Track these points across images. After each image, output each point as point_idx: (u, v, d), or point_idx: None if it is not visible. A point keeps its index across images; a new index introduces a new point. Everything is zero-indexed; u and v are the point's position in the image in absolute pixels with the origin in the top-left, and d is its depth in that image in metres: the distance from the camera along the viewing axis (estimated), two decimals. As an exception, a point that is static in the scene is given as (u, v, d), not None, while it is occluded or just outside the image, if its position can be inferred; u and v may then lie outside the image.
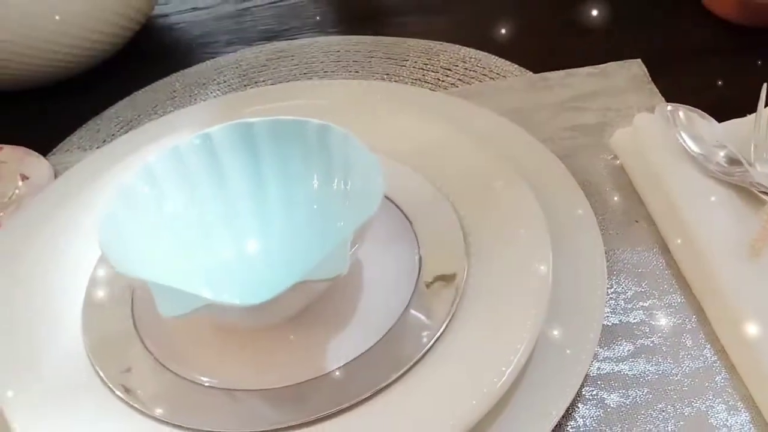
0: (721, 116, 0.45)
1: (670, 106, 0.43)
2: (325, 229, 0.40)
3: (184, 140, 0.40)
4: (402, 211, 0.42)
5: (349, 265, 0.33)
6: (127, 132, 0.54)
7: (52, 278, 0.41)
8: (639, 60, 0.53)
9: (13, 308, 0.39)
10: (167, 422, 0.34)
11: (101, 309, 0.39)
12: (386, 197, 0.42)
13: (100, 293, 0.40)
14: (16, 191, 0.50)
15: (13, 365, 0.37)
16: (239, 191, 0.41)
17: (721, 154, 0.42)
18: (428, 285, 0.38)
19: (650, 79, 0.52)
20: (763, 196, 0.40)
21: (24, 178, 0.51)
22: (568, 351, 0.35)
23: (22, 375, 0.36)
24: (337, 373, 0.35)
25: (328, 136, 0.40)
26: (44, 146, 0.53)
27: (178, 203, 0.40)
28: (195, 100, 0.56)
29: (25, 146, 0.53)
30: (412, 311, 0.37)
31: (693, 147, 0.42)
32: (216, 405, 0.35)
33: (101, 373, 0.36)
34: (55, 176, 0.51)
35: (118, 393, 0.35)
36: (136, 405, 0.34)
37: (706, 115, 0.43)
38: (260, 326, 0.37)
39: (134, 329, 0.38)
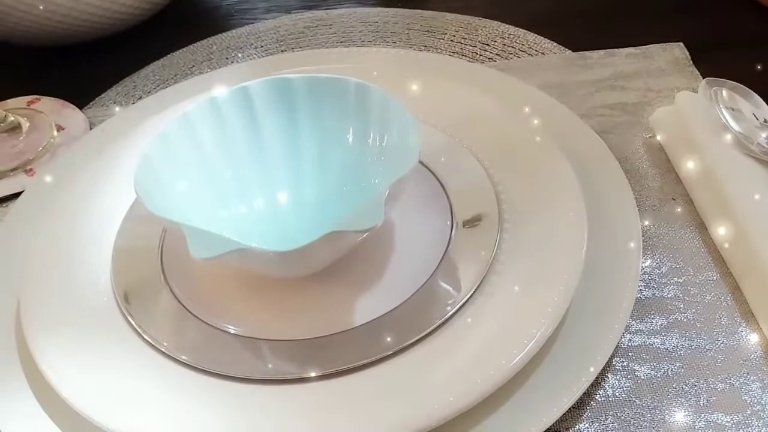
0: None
1: (714, 84, 0.43)
2: (359, 184, 0.39)
3: (222, 92, 0.40)
4: (436, 176, 0.42)
5: (383, 219, 0.33)
6: (162, 89, 0.54)
7: (84, 223, 0.41)
8: (681, 43, 0.52)
9: (45, 252, 0.39)
10: (192, 366, 0.34)
11: (131, 255, 0.39)
12: (421, 162, 0.42)
13: (130, 239, 0.40)
14: (52, 140, 0.50)
15: (44, 306, 0.37)
16: (275, 144, 0.41)
17: (764, 135, 0.41)
18: (460, 247, 0.38)
19: (692, 62, 0.51)
20: (805, 179, 0.39)
21: (60, 128, 0.51)
22: (600, 320, 0.35)
23: (53, 315, 0.36)
24: (363, 329, 0.35)
25: (366, 94, 0.40)
26: (81, 100, 0.54)
27: (215, 152, 0.40)
28: (232, 62, 0.56)
29: (62, 99, 0.53)
30: (442, 273, 0.37)
31: (734, 126, 0.41)
32: (240, 353, 0.35)
33: (128, 317, 0.36)
34: (91, 128, 0.51)
35: (145, 337, 0.35)
36: (162, 349, 0.34)
37: (752, 92, 0.43)
38: (290, 276, 0.37)
39: (162, 275, 0.38)
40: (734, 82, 0.43)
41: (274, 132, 0.41)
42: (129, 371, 0.34)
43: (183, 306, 0.37)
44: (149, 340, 0.35)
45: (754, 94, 0.42)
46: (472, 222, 0.39)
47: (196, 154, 0.39)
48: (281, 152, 0.41)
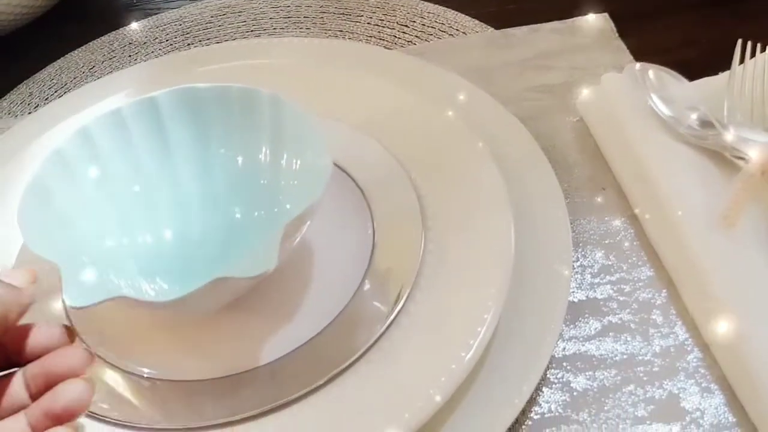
0: (692, 74, 0.43)
1: (639, 66, 0.41)
2: (272, 209, 0.37)
3: (126, 103, 0.37)
4: (355, 181, 0.39)
5: (282, 258, 0.31)
6: (61, 96, 0.50)
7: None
8: (606, 14, 0.50)
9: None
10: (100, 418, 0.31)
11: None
12: (339, 167, 0.39)
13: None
14: (-60, 163, 0.46)
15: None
16: (184, 161, 0.38)
17: (693, 116, 0.39)
18: (383, 262, 0.36)
19: (618, 35, 0.49)
20: (737, 161, 0.38)
21: (-52, 148, 0.47)
22: (532, 332, 0.33)
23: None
24: (282, 362, 0.33)
25: (280, 107, 0.36)
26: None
27: (118, 171, 0.37)
28: (135, 60, 0.52)
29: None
30: (365, 290, 0.35)
31: (664, 109, 0.40)
32: (152, 398, 0.32)
33: None
34: (-16, 145, 0.47)
35: None
36: None
37: (677, 75, 0.41)
38: (184, 318, 0.34)
39: (65, 316, 0.35)
40: (658, 65, 0.41)
41: (183, 149, 0.38)
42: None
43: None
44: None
45: (680, 76, 0.41)
46: (394, 231, 0.37)
47: (96, 174, 0.36)
48: (191, 171, 0.38)
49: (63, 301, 0.36)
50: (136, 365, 0.33)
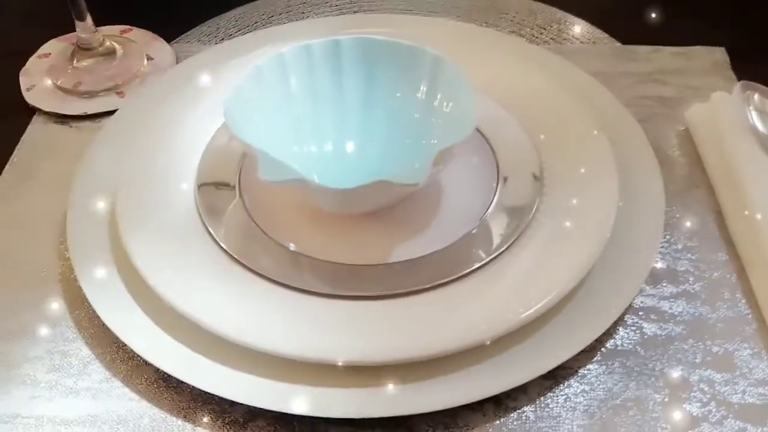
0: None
1: (748, 87, 0.47)
2: (420, 141, 0.45)
3: (317, 41, 0.45)
4: (489, 142, 0.46)
5: (429, 179, 0.39)
6: (243, 34, 0.59)
7: (172, 142, 0.47)
8: (723, 48, 0.56)
9: (133, 167, 0.45)
10: (260, 274, 0.40)
11: (213, 171, 0.45)
12: (477, 129, 0.46)
13: (214, 159, 0.46)
14: (142, 68, 0.55)
15: (134, 215, 0.43)
16: (353, 94, 0.46)
17: (788, 138, 0.46)
18: (501, 208, 0.43)
19: (730, 67, 0.55)
20: (819, 184, 0.44)
21: (149, 58, 0.56)
22: (618, 280, 0.40)
23: (145, 219, 0.43)
24: (409, 264, 0.41)
25: (440, 65, 0.44)
26: (167, 35, 0.59)
27: (299, 93, 0.45)
28: (306, 16, 0.61)
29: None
30: (485, 226, 0.42)
31: (761, 127, 0.46)
32: (293, 266, 0.41)
33: (207, 225, 0.42)
34: (177, 62, 0.56)
35: (216, 239, 0.41)
36: (233, 254, 0.41)
37: (781, 96, 0.47)
38: (342, 212, 0.43)
39: (238, 194, 0.44)
40: (765, 87, 0.47)
41: (354, 84, 0.46)
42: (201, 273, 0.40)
43: (252, 220, 0.42)
44: (229, 251, 0.41)
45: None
46: (516, 184, 0.44)
47: (282, 92, 0.45)
48: (357, 100, 0.46)
49: (238, 183, 0.44)
50: (287, 240, 0.41)
